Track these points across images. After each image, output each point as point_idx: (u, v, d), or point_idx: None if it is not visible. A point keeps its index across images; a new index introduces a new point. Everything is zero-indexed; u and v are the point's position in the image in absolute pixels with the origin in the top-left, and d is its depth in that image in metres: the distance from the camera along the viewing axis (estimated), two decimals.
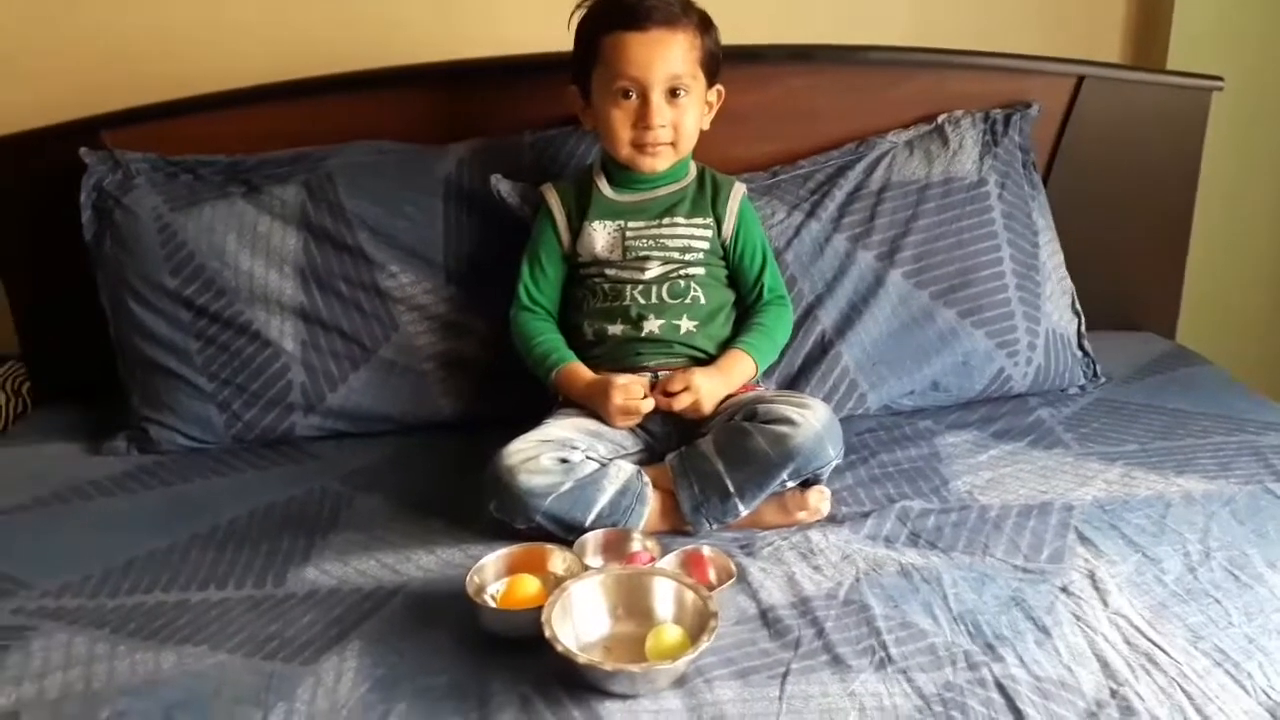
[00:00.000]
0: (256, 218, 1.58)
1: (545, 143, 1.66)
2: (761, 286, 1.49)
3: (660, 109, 1.39)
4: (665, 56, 1.38)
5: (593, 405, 1.37)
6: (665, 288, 1.44)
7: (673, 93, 1.40)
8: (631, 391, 1.34)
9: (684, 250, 1.45)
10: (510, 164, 1.62)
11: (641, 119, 1.40)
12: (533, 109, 1.68)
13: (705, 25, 1.43)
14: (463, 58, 1.70)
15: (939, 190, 1.63)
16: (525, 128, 1.67)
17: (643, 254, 1.44)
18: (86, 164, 1.61)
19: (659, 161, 1.44)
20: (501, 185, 1.58)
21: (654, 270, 1.44)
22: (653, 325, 1.42)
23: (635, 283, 1.44)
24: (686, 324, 1.43)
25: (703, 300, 1.44)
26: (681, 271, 1.45)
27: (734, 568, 1.16)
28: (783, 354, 1.53)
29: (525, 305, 1.49)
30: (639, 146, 1.42)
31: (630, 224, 1.46)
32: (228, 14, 1.77)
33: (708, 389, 1.35)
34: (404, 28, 1.80)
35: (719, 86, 1.48)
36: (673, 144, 1.43)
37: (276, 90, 1.68)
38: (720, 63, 1.46)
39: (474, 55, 1.70)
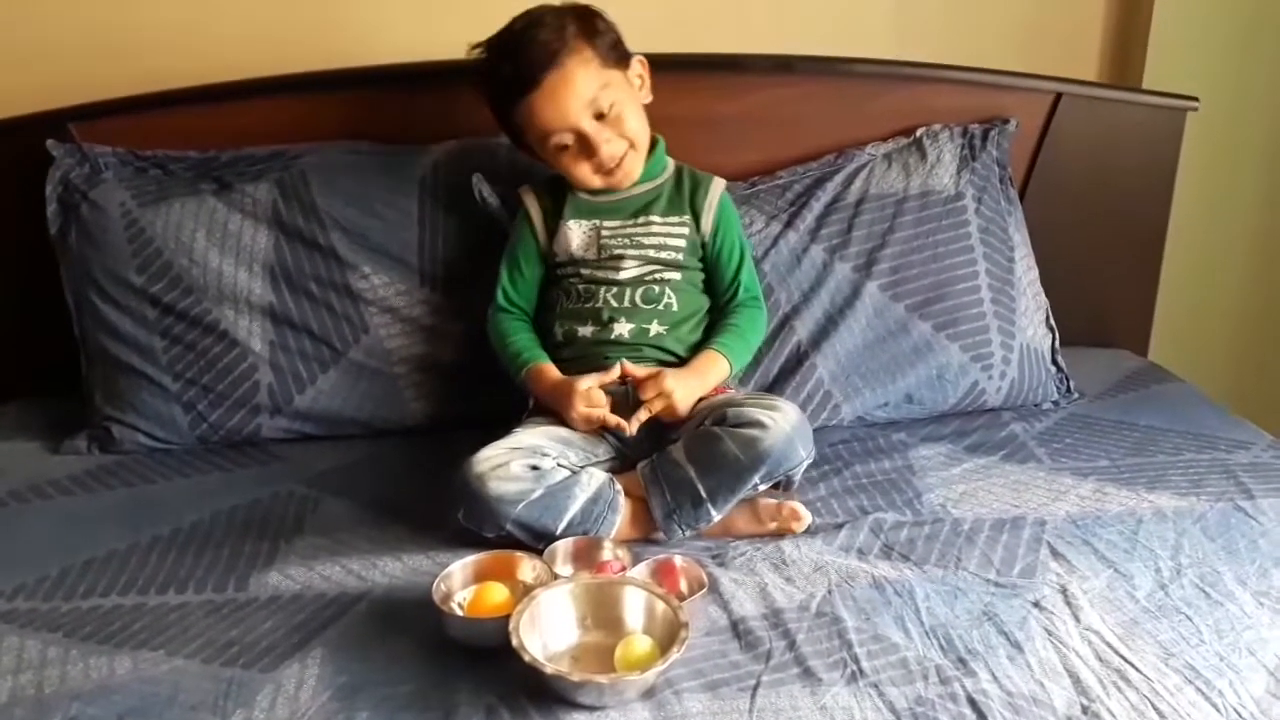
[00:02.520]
0: (227, 215, 1.56)
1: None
2: (738, 286, 1.48)
3: (598, 134, 1.37)
4: (572, 95, 1.35)
5: (556, 407, 1.35)
6: (640, 292, 1.43)
7: (599, 115, 1.38)
8: (593, 399, 1.33)
9: (660, 248, 1.44)
10: (487, 167, 1.61)
11: (589, 153, 1.39)
12: None
13: (587, 30, 1.38)
14: (441, 59, 1.69)
15: (916, 203, 1.63)
16: (503, 131, 1.65)
17: (617, 253, 1.43)
18: (53, 156, 1.58)
19: (629, 173, 1.43)
20: (483, 186, 1.56)
21: (630, 271, 1.43)
22: (622, 328, 1.41)
23: (609, 283, 1.43)
24: (656, 328, 1.42)
25: (675, 306, 1.43)
26: (657, 275, 1.44)
27: (705, 578, 1.14)
28: (759, 360, 1.53)
29: (502, 306, 1.48)
30: (602, 172, 1.41)
31: (606, 223, 1.45)
32: (205, 8, 1.74)
33: (681, 393, 1.33)
34: (384, 28, 1.78)
35: (637, 58, 1.44)
36: (631, 147, 1.41)
37: (251, 87, 1.66)
38: (621, 42, 1.42)
39: (456, 57, 1.69)
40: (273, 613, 1.12)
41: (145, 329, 1.53)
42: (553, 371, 1.39)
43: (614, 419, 1.32)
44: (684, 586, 1.14)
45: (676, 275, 1.45)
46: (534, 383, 1.40)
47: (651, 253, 1.44)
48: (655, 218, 1.45)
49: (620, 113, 1.39)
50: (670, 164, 1.50)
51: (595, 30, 1.39)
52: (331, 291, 1.55)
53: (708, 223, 1.47)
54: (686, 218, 1.46)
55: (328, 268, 1.55)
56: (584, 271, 1.45)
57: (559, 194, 1.47)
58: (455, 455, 1.26)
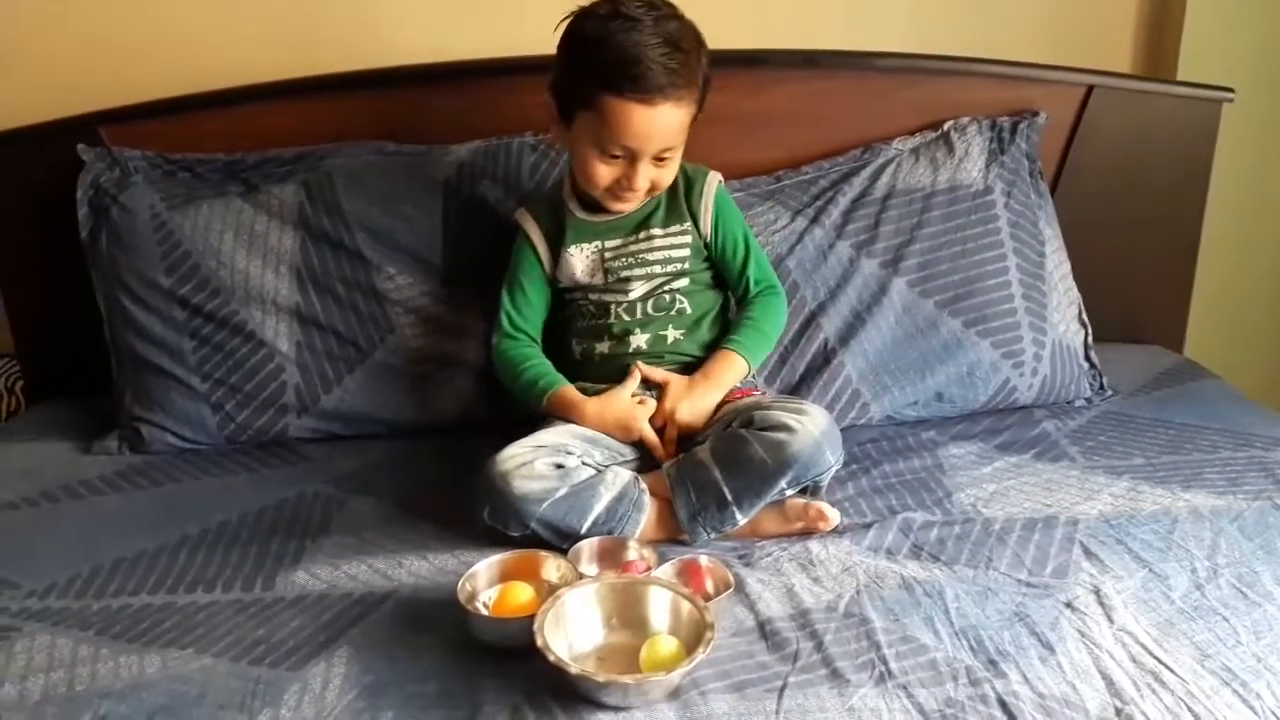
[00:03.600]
0: (254, 217, 1.57)
1: (547, 145, 1.64)
2: (748, 280, 1.46)
3: (645, 172, 1.34)
4: (665, 131, 1.31)
5: (606, 428, 1.33)
6: (651, 303, 1.42)
7: (660, 157, 1.35)
8: (649, 412, 1.33)
9: (665, 262, 1.42)
10: (511, 166, 1.61)
11: (625, 178, 1.35)
12: (535, 111, 1.65)
13: (707, 82, 1.34)
14: (465, 58, 1.69)
15: (944, 198, 1.61)
16: (528, 130, 1.65)
17: (624, 274, 1.41)
18: (84, 161, 1.60)
19: (630, 206, 1.41)
20: (491, 194, 1.56)
21: (638, 289, 1.42)
22: (639, 340, 1.40)
23: (620, 302, 1.42)
24: (673, 333, 1.41)
25: (689, 309, 1.42)
26: (666, 286, 1.42)
27: (731, 578, 1.13)
28: (786, 358, 1.52)
29: (508, 333, 1.46)
30: (614, 194, 1.38)
31: (608, 243, 1.42)
32: (231, 11, 1.76)
33: (686, 408, 1.33)
34: (408, 28, 1.78)
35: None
36: (649, 191, 1.38)
37: (277, 89, 1.67)
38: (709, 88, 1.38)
39: (479, 56, 1.69)
40: (300, 612, 1.12)
41: (174, 330, 1.54)
42: (579, 395, 1.36)
43: (660, 449, 1.33)
44: (710, 586, 1.13)
45: (684, 281, 1.43)
46: (561, 408, 1.36)
47: (657, 268, 1.42)
48: (656, 230, 1.42)
49: (669, 162, 1.36)
50: None
51: (709, 86, 1.35)
52: (357, 292, 1.55)
53: (706, 223, 1.44)
54: (687, 224, 1.43)
55: (353, 268, 1.56)
56: (592, 296, 1.43)
57: (557, 217, 1.45)
58: (480, 454, 1.26)
